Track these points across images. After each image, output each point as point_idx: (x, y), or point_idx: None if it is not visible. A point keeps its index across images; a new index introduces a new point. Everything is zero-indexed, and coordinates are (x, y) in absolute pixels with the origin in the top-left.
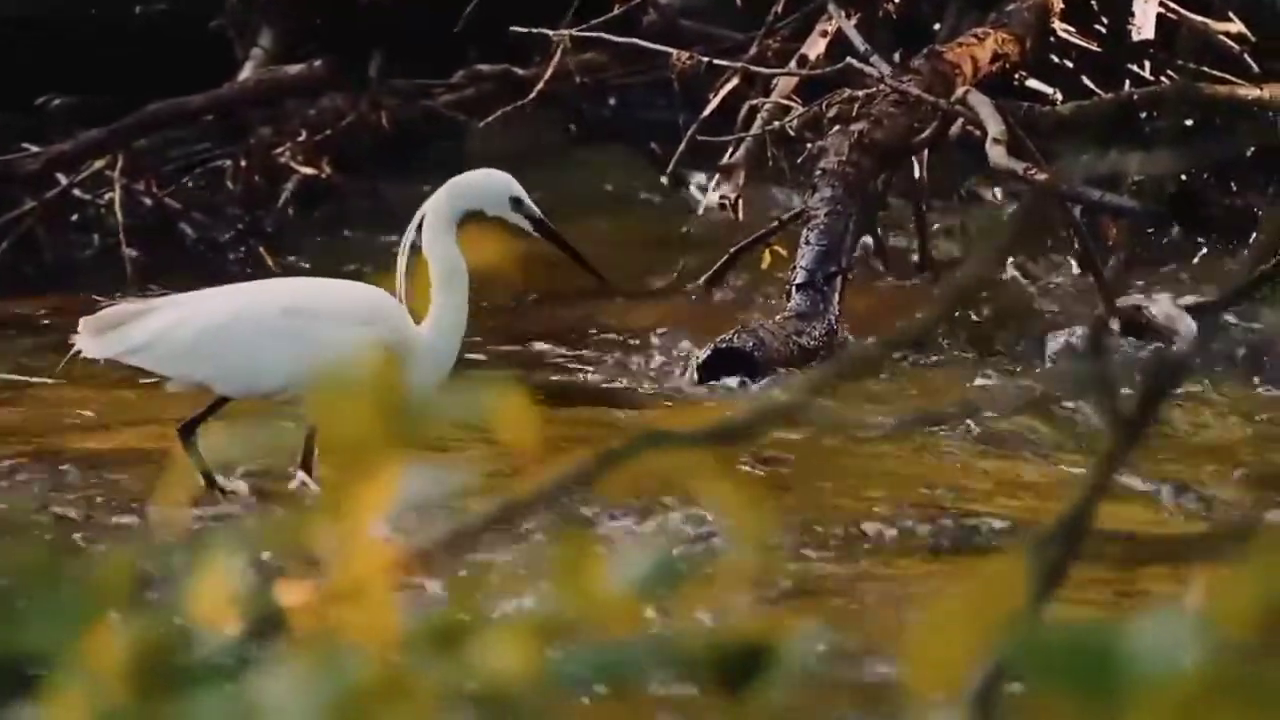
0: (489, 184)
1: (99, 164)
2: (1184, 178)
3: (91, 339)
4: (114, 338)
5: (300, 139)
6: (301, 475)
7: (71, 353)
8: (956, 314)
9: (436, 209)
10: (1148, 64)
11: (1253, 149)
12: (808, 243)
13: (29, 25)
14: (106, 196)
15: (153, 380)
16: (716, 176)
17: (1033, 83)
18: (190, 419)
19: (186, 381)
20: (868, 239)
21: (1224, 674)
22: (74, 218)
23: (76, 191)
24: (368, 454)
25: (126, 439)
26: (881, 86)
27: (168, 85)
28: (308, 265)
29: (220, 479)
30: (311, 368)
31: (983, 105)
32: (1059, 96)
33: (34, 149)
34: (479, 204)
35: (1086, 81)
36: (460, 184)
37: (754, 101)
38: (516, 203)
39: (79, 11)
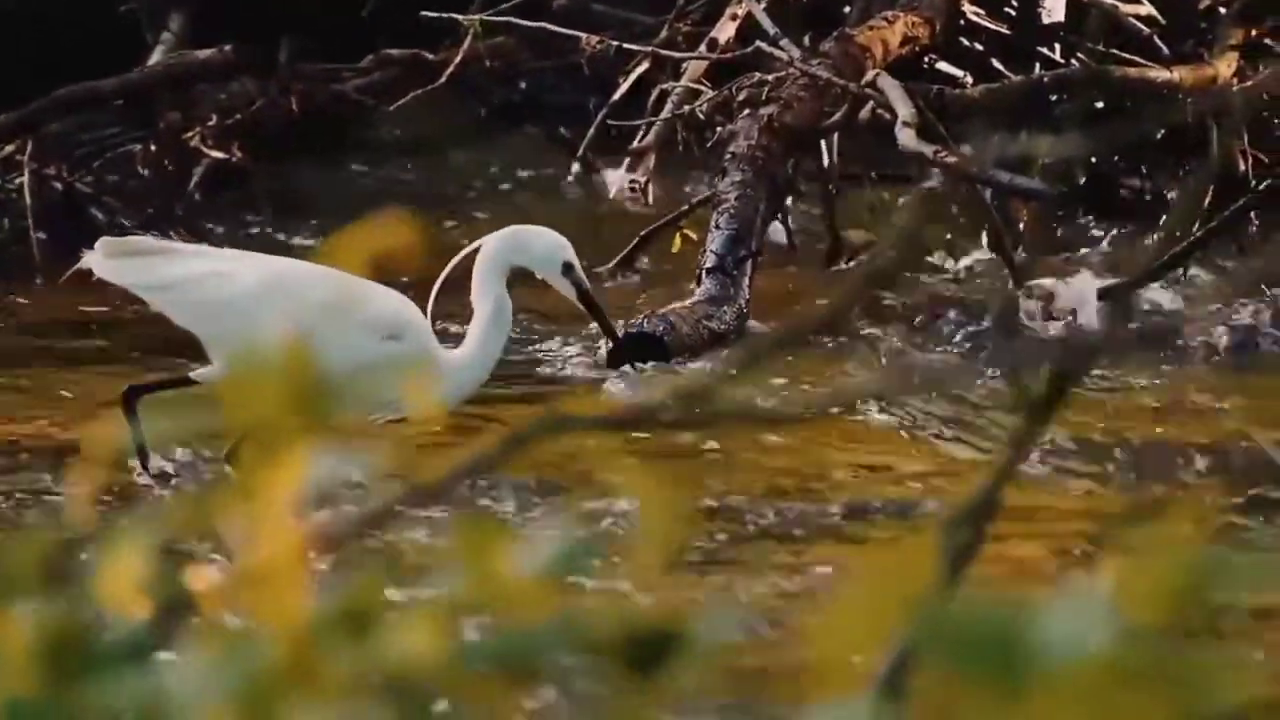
0: (544, 246)
1: (9, 148)
2: (1094, 161)
3: (106, 261)
4: (132, 266)
5: (210, 123)
6: (228, 469)
7: (77, 267)
8: (869, 296)
9: (489, 257)
10: (1058, 47)
11: (1163, 132)
12: (717, 227)
13: None
14: (16, 181)
15: (76, 367)
16: (627, 161)
17: (943, 66)
18: (142, 384)
19: (187, 330)
20: (778, 223)
21: (1129, 659)
22: None
23: None
24: (279, 437)
25: (43, 426)
26: (791, 70)
27: (78, 69)
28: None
29: (147, 458)
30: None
31: (893, 88)
32: (969, 79)
33: None
34: (530, 263)
35: (997, 64)
36: (518, 238)
37: (664, 86)
38: (567, 268)
39: None
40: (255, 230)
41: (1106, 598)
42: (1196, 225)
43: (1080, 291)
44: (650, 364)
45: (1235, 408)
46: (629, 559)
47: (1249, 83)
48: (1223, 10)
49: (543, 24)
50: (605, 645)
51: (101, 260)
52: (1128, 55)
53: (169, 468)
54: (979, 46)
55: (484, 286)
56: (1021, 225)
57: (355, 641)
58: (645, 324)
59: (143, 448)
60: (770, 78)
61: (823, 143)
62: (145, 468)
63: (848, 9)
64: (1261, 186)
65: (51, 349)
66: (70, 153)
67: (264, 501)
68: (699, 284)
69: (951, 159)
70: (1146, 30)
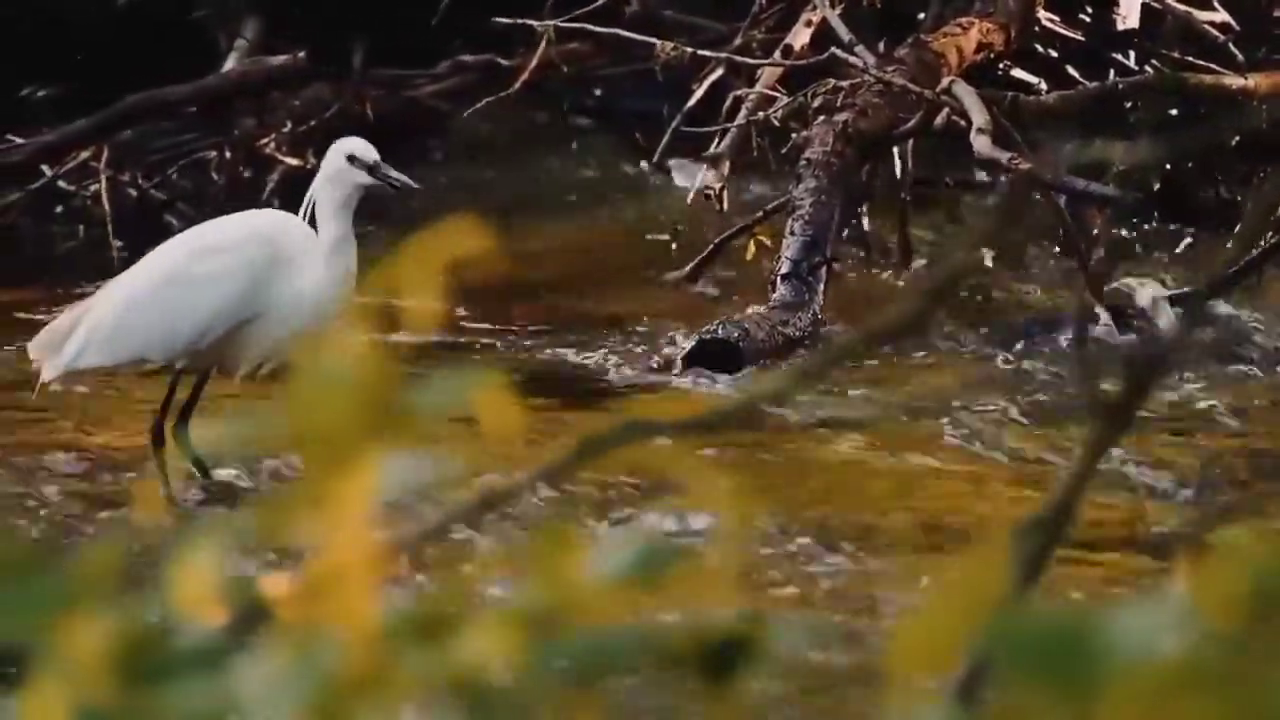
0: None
1: (84, 155)
2: (1168, 167)
3: (47, 363)
4: (63, 354)
5: (285, 129)
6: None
7: (41, 383)
8: (943, 303)
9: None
10: (1132, 53)
11: (1237, 138)
12: (792, 233)
13: (12, 15)
14: (92, 188)
15: (158, 374)
16: (702, 167)
17: (1017, 72)
18: (179, 413)
19: (128, 362)
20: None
21: (1204, 664)
22: (59, 209)
23: (61, 183)
24: (349, 444)
25: (124, 433)
26: (866, 76)
27: (152, 76)
28: None
29: (210, 470)
30: (231, 302)
31: (967, 95)
32: (1044, 86)
33: (18, 140)
34: (340, 187)
35: (1071, 71)
36: (335, 153)
37: (739, 92)
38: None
39: (63, 1)
40: None
41: (1183, 603)
42: (1270, 232)
43: (1154, 298)
44: (725, 370)
45: None
46: (703, 566)
47: None
48: None
49: (616, 30)
50: (679, 653)
51: (46, 366)
52: (1202, 62)
53: (238, 477)
54: (1054, 53)
55: (327, 225)
56: (1096, 231)
57: (429, 648)
58: (720, 330)
59: (202, 466)
60: (845, 84)
61: (896, 149)
62: (205, 479)
63: (922, 15)
64: None
65: None
66: (145, 160)
67: (336, 507)
68: (774, 290)
69: (1026, 165)
70: (1221, 37)
